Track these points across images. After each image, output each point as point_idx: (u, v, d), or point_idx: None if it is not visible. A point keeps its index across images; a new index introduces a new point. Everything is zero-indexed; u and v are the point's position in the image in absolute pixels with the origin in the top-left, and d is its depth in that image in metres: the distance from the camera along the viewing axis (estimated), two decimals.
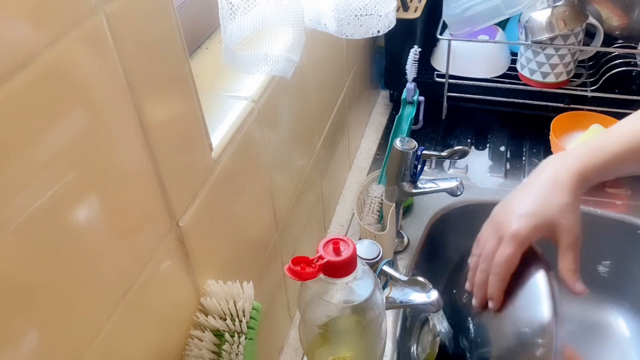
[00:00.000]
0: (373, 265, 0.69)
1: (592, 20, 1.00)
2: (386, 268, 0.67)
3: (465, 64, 1.07)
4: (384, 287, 0.67)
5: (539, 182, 0.64)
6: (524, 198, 0.64)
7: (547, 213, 0.61)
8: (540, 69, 1.01)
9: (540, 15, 0.96)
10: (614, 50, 1.04)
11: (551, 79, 1.02)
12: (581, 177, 0.62)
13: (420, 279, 0.67)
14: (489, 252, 0.64)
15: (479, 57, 1.08)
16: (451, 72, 1.06)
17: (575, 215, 0.61)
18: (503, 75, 1.08)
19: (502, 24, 1.13)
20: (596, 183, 0.63)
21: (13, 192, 0.29)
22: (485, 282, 0.64)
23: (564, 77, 1.02)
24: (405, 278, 0.67)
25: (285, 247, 0.72)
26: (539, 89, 1.04)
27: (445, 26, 1.06)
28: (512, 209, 0.63)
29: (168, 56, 0.42)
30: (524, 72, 1.05)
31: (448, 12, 1.02)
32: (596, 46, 1.03)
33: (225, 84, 0.59)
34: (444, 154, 0.82)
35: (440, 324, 0.71)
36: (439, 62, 1.11)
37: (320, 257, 0.52)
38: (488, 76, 1.08)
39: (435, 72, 1.10)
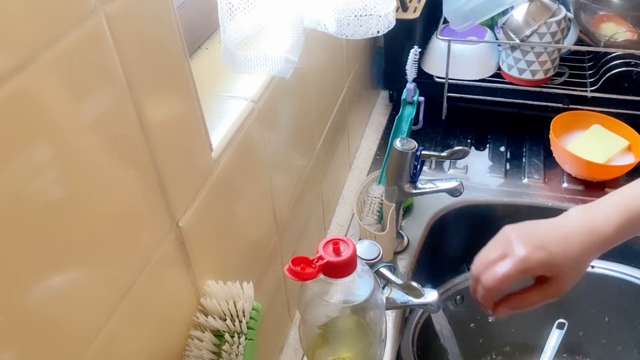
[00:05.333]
0: (373, 265, 0.69)
1: (567, 14, 1.00)
2: (383, 270, 0.67)
3: (457, 67, 1.07)
4: (383, 288, 0.67)
5: (572, 223, 0.62)
6: (547, 231, 0.62)
7: (563, 260, 0.60)
8: (517, 64, 1.03)
9: (517, 14, 0.98)
10: (615, 51, 1.04)
11: (527, 76, 1.03)
12: (617, 233, 0.60)
13: (414, 284, 0.66)
14: (488, 263, 0.63)
15: (469, 59, 1.08)
16: (442, 75, 1.06)
17: (580, 275, 0.61)
18: (502, 76, 1.09)
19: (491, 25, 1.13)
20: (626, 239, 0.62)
21: (12, 191, 0.29)
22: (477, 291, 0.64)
23: (541, 75, 1.03)
24: (400, 282, 0.67)
25: (285, 247, 0.72)
26: (538, 89, 1.05)
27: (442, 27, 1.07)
28: (532, 235, 0.62)
29: (168, 56, 0.42)
30: (512, 72, 1.06)
31: (448, 7, 1.02)
32: (570, 41, 1.04)
33: (225, 85, 0.59)
34: (444, 154, 0.82)
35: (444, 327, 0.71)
36: (430, 65, 1.11)
37: (320, 258, 0.52)
38: (479, 77, 1.08)
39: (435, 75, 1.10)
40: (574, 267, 0.60)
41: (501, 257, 0.62)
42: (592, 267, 0.89)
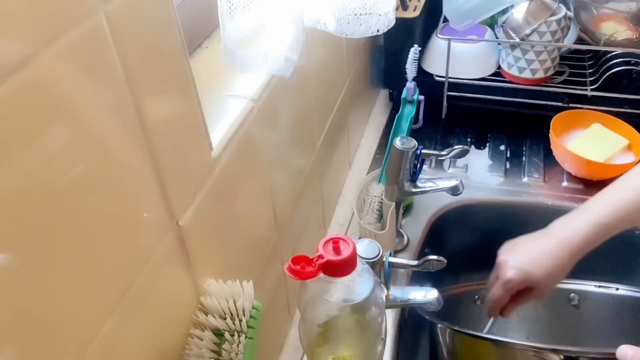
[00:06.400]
0: (373, 264, 0.69)
1: (567, 12, 1.00)
2: (393, 259, 0.67)
3: (457, 65, 1.07)
4: (387, 286, 0.67)
5: (547, 240, 0.73)
6: (526, 251, 0.74)
7: (537, 275, 0.71)
8: (517, 63, 1.03)
9: (517, 13, 0.98)
10: (615, 50, 1.04)
11: (527, 74, 1.03)
12: (584, 243, 0.70)
13: (432, 257, 0.70)
14: (489, 284, 0.77)
15: (469, 58, 1.08)
16: (442, 74, 1.06)
17: (557, 281, 0.72)
18: (502, 75, 1.08)
19: (491, 24, 1.13)
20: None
21: (12, 190, 0.29)
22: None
23: (541, 74, 1.03)
24: (415, 262, 0.68)
25: (285, 246, 0.72)
26: (538, 88, 1.05)
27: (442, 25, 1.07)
28: (514, 258, 0.74)
29: (168, 55, 0.42)
30: (512, 71, 1.06)
31: (448, 6, 1.02)
32: (570, 40, 1.03)
33: (225, 83, 0.59)
34: (443, 153, 0.82)
35: None
36: (430, 63, 1.11)
37: (320, 256, 0.51)
38: (479, 76, 1.08)
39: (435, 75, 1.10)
40: (549, 278, 0.71)
41: (495, 279, 0.75)
42: (617, 289, 0.95)
